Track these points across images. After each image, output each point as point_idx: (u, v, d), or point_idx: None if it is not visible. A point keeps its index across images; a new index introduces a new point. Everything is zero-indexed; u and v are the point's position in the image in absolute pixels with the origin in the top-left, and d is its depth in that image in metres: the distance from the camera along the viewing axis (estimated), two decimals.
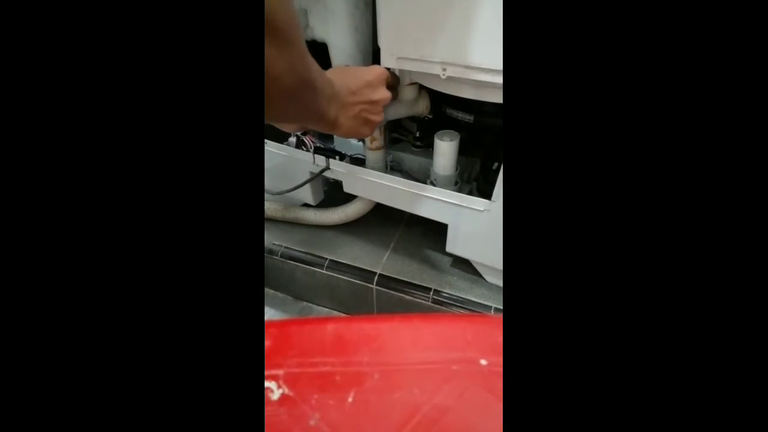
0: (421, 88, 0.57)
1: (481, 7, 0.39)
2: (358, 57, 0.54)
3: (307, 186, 0.67)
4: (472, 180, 0.66)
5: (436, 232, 0.67)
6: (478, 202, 0.54)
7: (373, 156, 0.63)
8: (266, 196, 0.71)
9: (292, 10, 0.24)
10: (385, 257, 0.70)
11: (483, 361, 0.24)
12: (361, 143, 0.69)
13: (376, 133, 0.60)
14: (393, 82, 0.48)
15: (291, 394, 0.23)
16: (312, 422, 0.21)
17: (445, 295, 0.63)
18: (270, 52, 0.23)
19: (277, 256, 0.72)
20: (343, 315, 0.75)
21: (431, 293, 0.63)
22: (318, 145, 0.68)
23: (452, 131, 0.57)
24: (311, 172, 0.65)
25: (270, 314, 0.76)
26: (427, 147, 0.67)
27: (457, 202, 0.55)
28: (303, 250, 0.72)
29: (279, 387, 0.23)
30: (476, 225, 0.56)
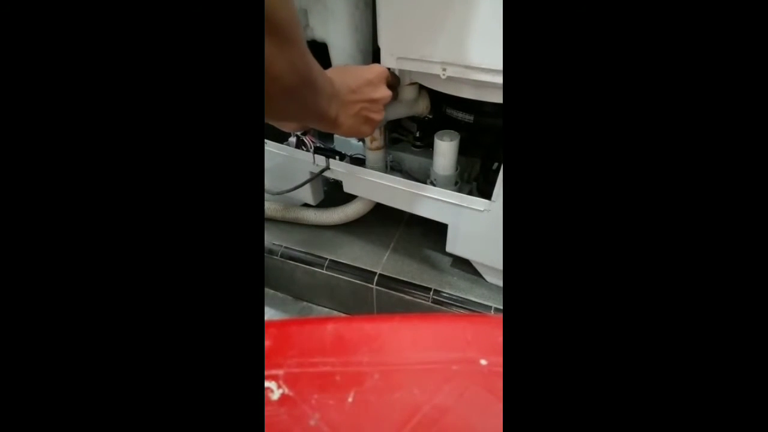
0: (421, 88, 0.56)
1: (481, 7, 0.38)
2: (358, 57, 0.54)
3: (307, 186, 0.66)
4: (472, 180, 0.66)
5: (436, 232, 0.67)
6: (478, 202, 0.54)
7: (373, 156, 0.63)
8: (266, 196, 0.71)
9: (292, 8, 0.24)
10: (385, 257, 0.70)
11: (483, 361, 0.24)
12: (361, 143, 0.69)
13: (376, 133, 0.60)
14: (393, 81, 0.48)
15: (291, 394, 0.23)
16: (312, 422, 0.21)
17: (445, 295, 0.63)
18: (270, 51, 0.23)
19: (277, 256, 0.72)
20: (343, 315, 0.74)
21: (431, 293, 0.63)
22: (318, 145, 0.68)
23: (452, 131, 0.57)
24: (311, 172, 0.65)
25: (270, 314, 0.76)
26: (427, 147, 0.67)
27: (457, 202, 0.55)
28: (303, 250, 0.72)
29: (279, 387, 0.23)
30: (476, 225, 0.56)
